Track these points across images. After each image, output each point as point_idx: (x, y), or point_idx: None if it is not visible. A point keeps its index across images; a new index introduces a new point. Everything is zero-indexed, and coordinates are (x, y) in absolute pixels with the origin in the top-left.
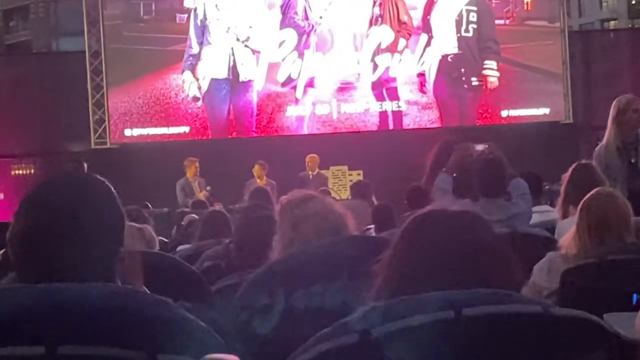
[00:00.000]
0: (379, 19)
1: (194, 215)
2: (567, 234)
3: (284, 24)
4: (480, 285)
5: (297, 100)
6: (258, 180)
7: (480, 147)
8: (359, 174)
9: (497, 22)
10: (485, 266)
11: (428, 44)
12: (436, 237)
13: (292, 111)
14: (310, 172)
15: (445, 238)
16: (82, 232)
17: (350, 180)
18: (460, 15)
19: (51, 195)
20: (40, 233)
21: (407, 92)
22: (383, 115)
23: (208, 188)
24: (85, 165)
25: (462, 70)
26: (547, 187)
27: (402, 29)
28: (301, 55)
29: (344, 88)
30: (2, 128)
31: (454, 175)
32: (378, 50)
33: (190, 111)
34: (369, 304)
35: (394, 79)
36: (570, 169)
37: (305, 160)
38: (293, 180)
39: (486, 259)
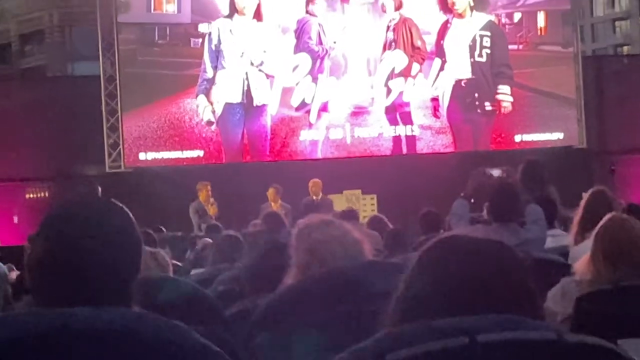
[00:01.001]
0: (393, 43)
1: (208, 239)
2: (582, 260)
3: (298, 48)
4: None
5: (310, 125)
6: (272, 204)
7: (496, 172)
8: (372, 198)
9: (510, 47)
10: (506, 297)
11: (442, 68)
12: (457, 264)
13: (305, 135)
14: (314, 197)
15: (467, 265)
16: (100, 257)
17: (364, 204)
18: (473, 40)
19: (69, 220)
20: (58, 257)
21: (420, 116)
22: (396, 139)
23: (212, 200)
24: (99, 188)
25: (476, 95)
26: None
27: (416, 53)
28: (315, 79)
29: (358, 112)
30: (17, 152)
31: (472, 201)
32: (392, 75)
33: (204, 135)
34: (384, 329)
35: (407, 104)
36: (586, 195)
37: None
38: (306, 204)
39: (508, 290)
